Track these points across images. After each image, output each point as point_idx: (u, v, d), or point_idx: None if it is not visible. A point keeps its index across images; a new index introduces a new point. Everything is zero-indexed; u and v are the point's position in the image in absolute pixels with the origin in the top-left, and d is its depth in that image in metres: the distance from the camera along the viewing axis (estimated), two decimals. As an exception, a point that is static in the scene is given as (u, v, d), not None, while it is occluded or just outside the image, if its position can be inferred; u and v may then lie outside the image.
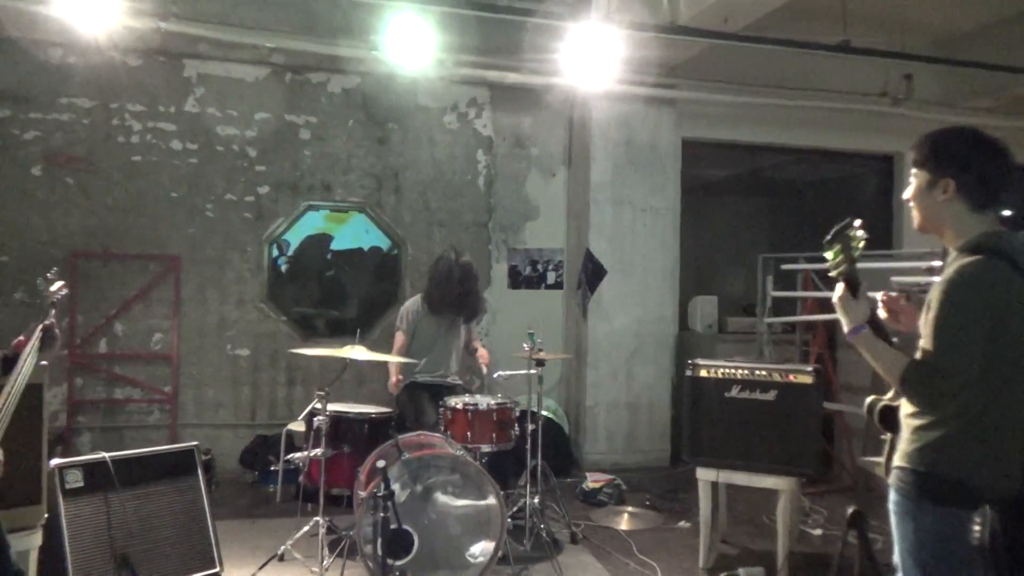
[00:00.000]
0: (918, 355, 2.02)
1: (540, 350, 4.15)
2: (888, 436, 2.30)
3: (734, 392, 3.78)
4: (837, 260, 2.18)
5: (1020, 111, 6.74)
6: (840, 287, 2.20)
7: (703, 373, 3.87)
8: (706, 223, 8.74)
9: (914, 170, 2.16)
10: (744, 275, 8.01)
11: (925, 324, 2.03)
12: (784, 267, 5.83)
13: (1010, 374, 2.02)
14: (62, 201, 5.27)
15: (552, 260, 6.37)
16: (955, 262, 2.04)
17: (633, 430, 6.04)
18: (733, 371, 3.82)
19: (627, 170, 6.06)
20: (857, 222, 2.17)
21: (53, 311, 2.54)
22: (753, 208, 9.54)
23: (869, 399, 2.37)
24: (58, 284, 2.70)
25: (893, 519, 2.15)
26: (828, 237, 2.17)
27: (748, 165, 8.16)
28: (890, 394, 2.28)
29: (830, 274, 2.21)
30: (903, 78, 6.41)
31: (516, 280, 6.29)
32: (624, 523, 4.60)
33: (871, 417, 2.34)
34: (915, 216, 2.18)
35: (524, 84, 5.88)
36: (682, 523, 4.61)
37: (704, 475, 3.86)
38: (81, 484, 3.03)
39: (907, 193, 2.19)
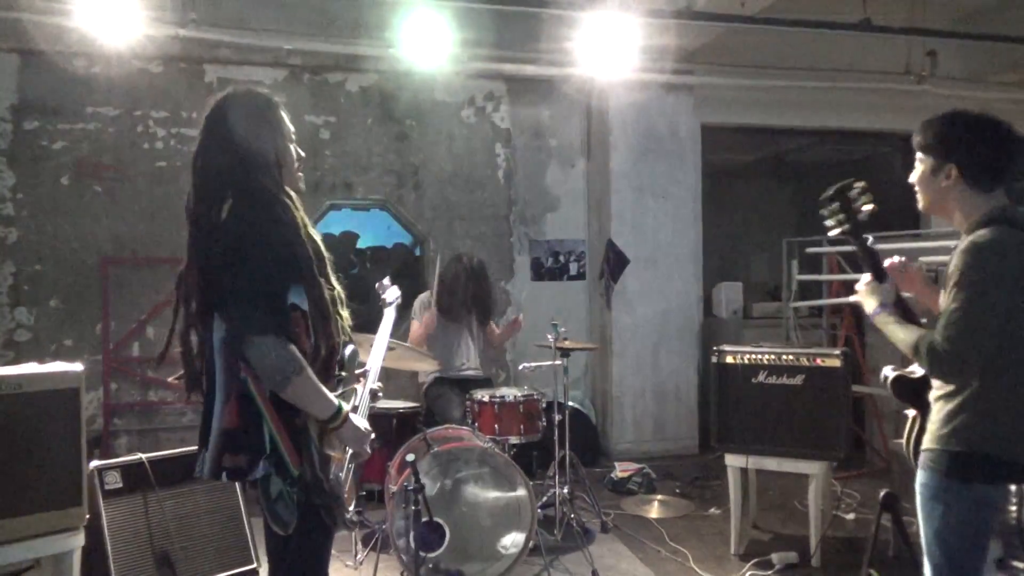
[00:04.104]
0: (939, 327, 2.00)
1: (565, 339, 4.16)
2: (913, 413, 2.29)
3: (761, 377, 3.77)
4: (838, 218, 2.21)
5: (1048, 84, 6.60)
6: (867, 276, 2.23)
7: (729, 359, 3.86)
8: (729, 208, 8.68)
9: (919, 154, 2.18)
10: (769, 260, 7.96)
11: (946, 296, 2.02)
12: (809, 250, 5.78)
13: None
14: (91, 209, 5.37)
15: (574, 251, 6.36)
16: (970, 234, 2.04)
17: (660, 418, 6.03)
18: (760, 356, 3.80)
19: (647, 158, 6.03)
20: (859, 183, 2.19)
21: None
22: (776, 192, 9.45)
23: (884, 370, 2.36)
24: (391, 291, 2.96)
25: (919, 501, 2.14)
26: (828, 193, 2.20)
27: (770, 149, 8.07)
28: (912, 367, 2.26)
29: (831, 233, 2.24)
30: (926, 55, 6.29)
31: (539, 272, 6.29)
32: (654, 511, 4.60)
33: (886, 387, 2.35)
34: (920, 199, 2.20)
35: (541, 76, 5.87)
36: (713, 510, 4.60)
37: (733, 461, 3.84)
38: (120, 485, 3.09)
39: (913, 176, 2.21)
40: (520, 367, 4.44)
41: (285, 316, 1.81)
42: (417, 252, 6.28)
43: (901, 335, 2.12)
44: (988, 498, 2.07)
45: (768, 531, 4.24)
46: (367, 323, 6.28)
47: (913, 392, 2.26)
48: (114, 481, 3.09)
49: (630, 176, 6.00)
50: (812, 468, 3.67)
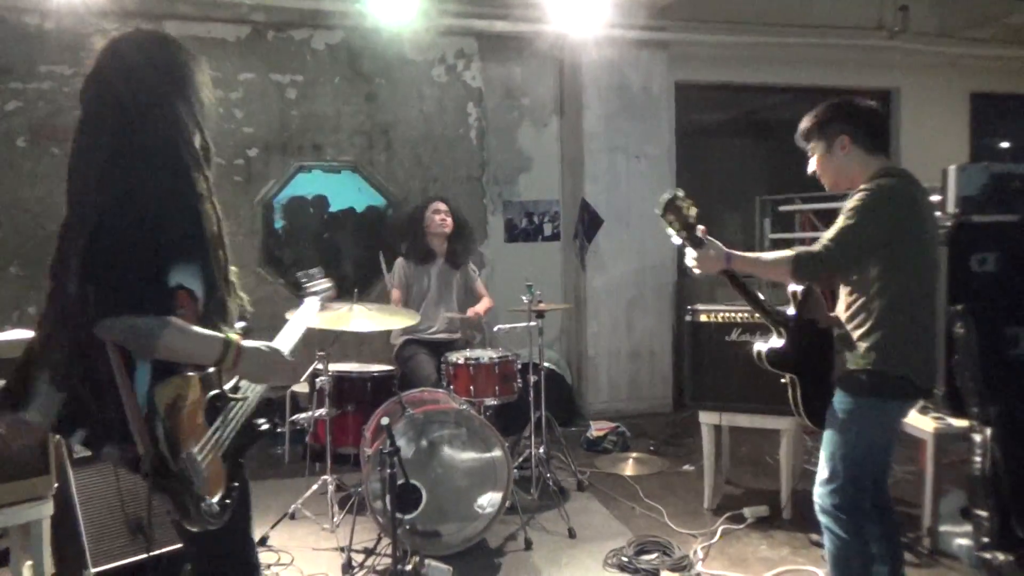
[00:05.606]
0: (822, 238, 2.35)
1: (539, 302, 4.14)
2: (789, 377, 2.52)
3: (734, 336, 3.79)
4: (676, 228, 2.45)
5: (1018, 40, 6.63)
6: (690, 252, 2.48)
7: (703, 318, 3.87)
8: (702, 167, 8.63)
9: (810, 146, 2.55)
10: (742, 218, 7.98)
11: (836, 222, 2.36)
12: (782, 208, 5.80)
13: (930, 277, 2.41)
14: (49, 173, 5.19)
15: (548, 212, 6.32)
16: (874, 181, 2.37)
17: (635, 378, 6.07)
18: (733, 315, 3.81)
19: (620, 117, 5.97)
20: (680, 192, 2.45)
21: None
22: (749, 150, 9.43)
23: (755, 349, 2.64)
24: (322, 283, 2.56)
25: (833, 423, 2.43)
26: (659, 211, 2.45)
27: (743, 106, 8.04)
28: (771, 340, 2.61)
29: (673, 240, 2.49)
30: (898, 10, 6.29)
31: (512, 233, 6.25)
32: (629, 469, 4.66)
33: (762, 365, 2.63)
34: (825, 180, 2.56)
35: (512, 32, 5.75)
36: (686, 467, 4.66)
37: (707, 419, 3.89)
38: (89, 453, 3.04)
39: (811, 167, 2.57)
40: (495, 328, 4.42)
41: (149, 293, 1.62)
42: (389, 215, 6.19)
43: (769, 257, 2.46)
44: (895, 418, 2.44)
45: (740, 486, 4.31)
46: (338, 287, 6.20)
47: (785, 361, 2.58)
48: (83, 449, 3.03)
49: (604, 135, 5.94)
50: (783, 424, 3.72)
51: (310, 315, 2.35)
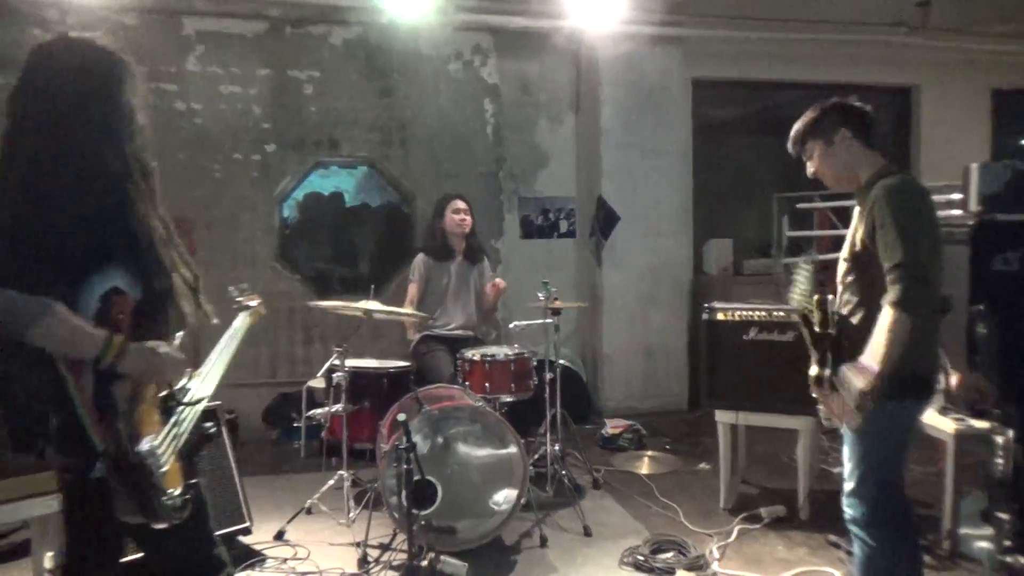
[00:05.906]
0: (894, 278, 2.15)
1: (555, 299, 4.14)
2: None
3: (752, 334, 3.76)
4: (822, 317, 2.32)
5: (1040, 35, 6.54)
6: (856, 385, 2.21)
7: (720, 316, 3.85)
8: (719, 164, 8.59)
9: (807, 147, 2.51)
10: (759, 216, 7.94)
11: (881, 239, 2.21)
12: (799, 206, 5.76)
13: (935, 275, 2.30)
14: (69, 167, 5.24)
15: (564, 208, 6.30)
16: (881, 183, 2.30)
17: (650, 375, 6.05)
18: (750, 313, 3.79)
19: (637, 113, 5.94)
20: (807, 265, 2.41)
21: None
22: (767, 147, 9.33)
23: (813, 374, 2.41)
24: (253, 299, 2.62)
25: (861, 427, 2.33)
26: (807, 291, 2.35)
27: (760, 103, 7.97)
28: (813, 368, 2.42)
29: (818, 328, 2.33)
30: (918, 6, 6.21)
31: (528, 230, 6.24)
32: (644, 467, 4.64)
33: (821, 390, 2.43)
34: (828, 178, 2.50)
35: (529, 28, 5.73)
36: (702, 465, 4.65)
37: (723, 417, 3.86)
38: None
39: (811, 168, 2.53)
40: (511, 325, 4.42)
41: (43, 279, 1.59)
42: (405, 211, 6.19)
43: (896, 332, 2.15)
44: (914, 417, 2.44)
45: (756, 485, 4.28)
46: (354, 283, 6.23)
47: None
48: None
49: (620, 132, 5.92)
50: (801, 423, 3.69)
51: (242, 329, 2.44)
